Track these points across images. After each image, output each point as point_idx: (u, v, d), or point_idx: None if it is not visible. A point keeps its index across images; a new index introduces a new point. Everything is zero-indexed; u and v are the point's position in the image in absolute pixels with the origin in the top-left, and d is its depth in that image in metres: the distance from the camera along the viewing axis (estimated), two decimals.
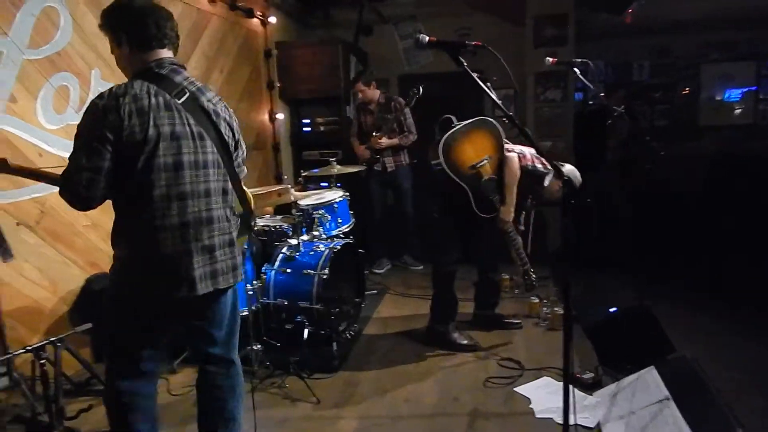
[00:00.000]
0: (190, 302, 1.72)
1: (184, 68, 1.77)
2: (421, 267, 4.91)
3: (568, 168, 3.18)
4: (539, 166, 3.09)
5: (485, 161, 2.99)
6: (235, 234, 1.85)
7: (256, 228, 3.56)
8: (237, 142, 1.88)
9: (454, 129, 2.95)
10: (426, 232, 4.85)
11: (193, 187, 1.68)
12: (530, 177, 3.09)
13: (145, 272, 1.66)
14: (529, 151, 3.12)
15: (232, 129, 1.84)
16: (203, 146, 1.71)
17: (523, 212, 3.29)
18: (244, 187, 1.97)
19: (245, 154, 1.96)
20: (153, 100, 1.60)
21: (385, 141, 4.64)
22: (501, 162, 3.03)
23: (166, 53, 1.73)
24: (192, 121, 1.68)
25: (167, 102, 1.63)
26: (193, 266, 1.67)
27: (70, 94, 2.93)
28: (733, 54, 5.67)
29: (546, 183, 3.12)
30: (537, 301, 3.63)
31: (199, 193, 1.70)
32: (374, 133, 4.62)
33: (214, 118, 1.75)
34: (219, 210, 1.77)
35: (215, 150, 1.75)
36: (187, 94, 1.68)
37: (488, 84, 2.24)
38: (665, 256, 4.39)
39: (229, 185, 1.83)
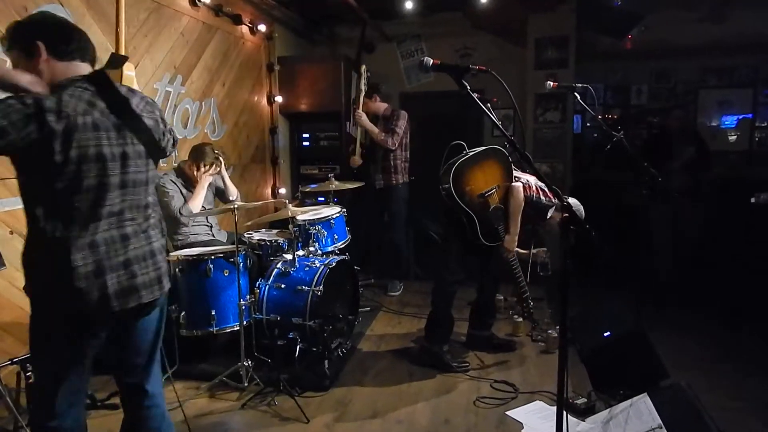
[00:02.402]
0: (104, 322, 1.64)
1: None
2: (399, 292, 4.71)
3: (572, 201, 3.18)
4: (543, 198, 3.09)
5: (493, 190, 3.00)
6: (157, 244, 1.74)
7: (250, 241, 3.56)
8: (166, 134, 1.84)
9: (466, 156, 2.96)
10: (431, 250, 4.82)
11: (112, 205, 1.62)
12: (534, 209, 3.10)
13: (57, 291, 1.60)
14: (534, 182, 3.13)
15: (158, 131, 1.77)
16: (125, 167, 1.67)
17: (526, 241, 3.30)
18: None
19: None
20: (81, 119, 1.54)
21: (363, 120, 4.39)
22: (508, 191, 3.04)
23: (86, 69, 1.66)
24: (116, 141, 1.63)
25: (95, 121, 1.58)
26: (107, 283, 1.60)
27: None
28: (731, 81, 5.72)
29: (548, 215, 3.12)
30: (521, 320, 3.63)
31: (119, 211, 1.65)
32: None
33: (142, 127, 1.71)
34: (133, 226, 1.69)
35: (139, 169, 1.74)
36: (115, 112, 1.64)
37: (489, 105, 2.24)
38: (662, 281, 4.38)
39: (150, 198, 1.75)
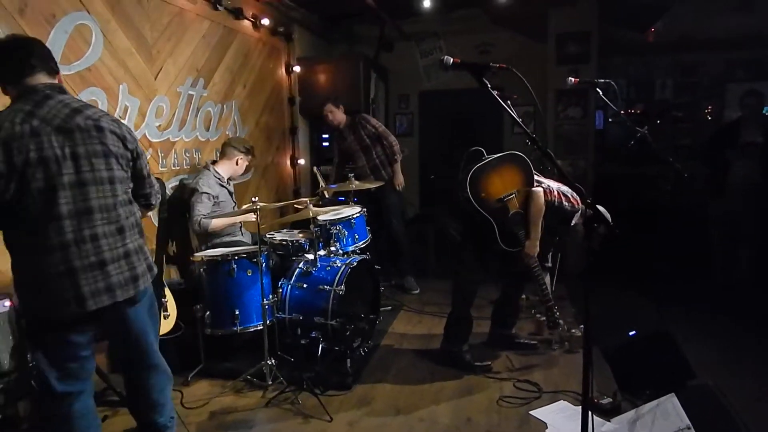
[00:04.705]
0: (86, 318, 1.74)
1: (62, 91, 1.78)
2: (417, 290, 4.73)
3: (601, 210, 3.12)
4: (566, 204, 3.05)
5: (512, 195, 2.98)
6: (132, 245, 1.84)
7: (268, 241, 3.59)
8: (134, 153, 1.88)
9: (484, 162, 2.95)
10: (452, 249, 4.80)
11: (69, 208, 1.68)
12: (556, 214, 3.05)
13: (31, 293, 1.72)
14: (557, 187, 3.08)
15: (123, 140, 1.83)
16: (78, 166, 1.70)
17: (551, 249, 3.26)
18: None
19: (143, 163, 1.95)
20: (18, 128, 1.62)
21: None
22: (528, 196, 3.01)
23: (39, 80, 1.74)
24: (62, 144, 1.67)
25: (34, 128, 1.63)
26: (80, 283, 1.69)
27: None
28: (759, 73, 5.57)
29: (573, 222, 3.06)
30: (543, 318, 3.58)
31: (77, 212, 1.70)
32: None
33: (95, 133, 1.74)
34: (104, 226, 1.75)
35: (97, 167, 1.74)
36: (60, 117, 1.69)
37: (509, 103, 2.22)
38: (686, 280, 4.29)
39: (120, 198, 1.81)
